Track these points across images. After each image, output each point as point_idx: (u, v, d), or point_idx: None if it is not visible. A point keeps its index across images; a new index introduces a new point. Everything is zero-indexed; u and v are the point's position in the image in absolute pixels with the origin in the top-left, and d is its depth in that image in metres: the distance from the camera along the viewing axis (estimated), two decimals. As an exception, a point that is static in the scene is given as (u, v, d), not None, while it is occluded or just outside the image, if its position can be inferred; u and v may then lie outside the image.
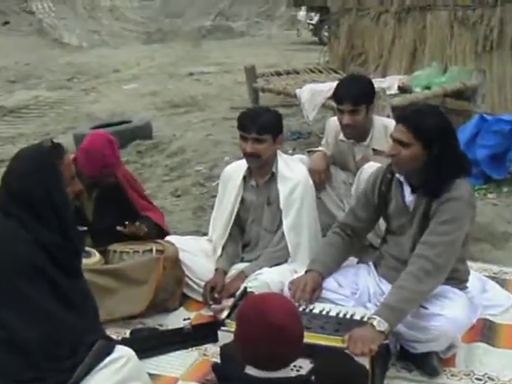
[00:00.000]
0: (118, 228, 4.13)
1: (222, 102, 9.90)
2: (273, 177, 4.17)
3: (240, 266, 4.17)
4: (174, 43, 17.74)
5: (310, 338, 3.04)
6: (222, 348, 3.31)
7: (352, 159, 4.69)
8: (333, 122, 4.84)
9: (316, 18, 17.21)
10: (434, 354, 3.32)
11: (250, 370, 2.32)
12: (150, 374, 3.27)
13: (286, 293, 3.54)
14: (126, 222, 4.13)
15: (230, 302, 3.73)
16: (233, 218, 4.24)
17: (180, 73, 12.84)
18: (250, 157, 4.06)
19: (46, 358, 2.81)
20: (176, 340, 3.71)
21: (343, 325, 3.25)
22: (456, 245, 3.30)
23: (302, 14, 19.00)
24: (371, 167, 4.11)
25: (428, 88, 7.14)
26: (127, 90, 11.64)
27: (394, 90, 7.08)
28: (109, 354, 2.95)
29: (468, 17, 7.57)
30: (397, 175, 3.49)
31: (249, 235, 4.33)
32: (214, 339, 3.45)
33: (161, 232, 4.37)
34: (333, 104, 5.28)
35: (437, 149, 3.26)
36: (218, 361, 3.41)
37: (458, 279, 3.49)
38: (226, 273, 4.14)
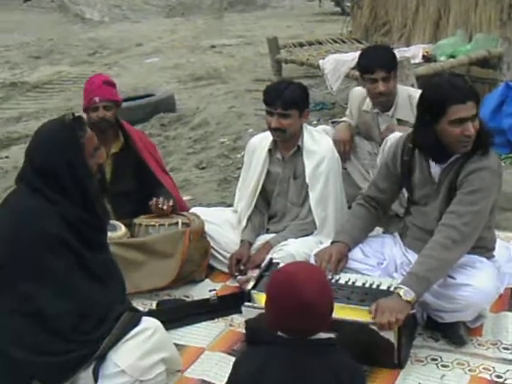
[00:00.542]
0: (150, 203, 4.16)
1: (245, 74, 9.84)
2: (298, 150, 4.15)
3: (266, 237, 4.18)
4: (196, 16, 17.63)
5: (336, 308, 3.03)
6: (247, 322, 3.33)
7: (377, 129, 4.66)
8: (356, 92, 4.81)
9: (338, -13, 17.08)
10: (461, 324, 3.31)
11: (282, 334, 2.33)
12: (176, 345, 3.30)
13: (312, 264, 3.53)
14: (153, 202, 4.16)
15: (255, 272, 3.75)
16: (258, 189, 4.24)
17: (202, 46, 12.77)
18: (275, 131, 4.04)
19: (74, 330, 2.85)
20: (202, 311, 3.73)
21: (369, 295, 3.25)
22: (483, 214, 3.28)
23: (324, -16, 18.86)
24: (395, 137, 4.07)
25: (453, 57, 7.05)
26: (149, 64, 11.61)
27: (419, 59, 7.01)
28: (136, 325, 2.98)
29: (493, -16, 7.45)
30: None
31: (274, 208, 4.32)
32: (240, 310, 3.47)
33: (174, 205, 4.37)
34: (357, 74, 5.24)
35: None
36: (244, 331, 3.45)
37: (484, 247, 3.46)
38: (251, 244, 4.15)
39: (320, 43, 8.70)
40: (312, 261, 3.56)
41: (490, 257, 3.49)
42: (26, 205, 2.90)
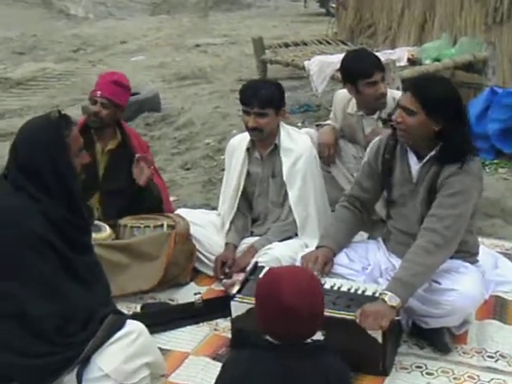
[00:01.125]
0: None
1: (230, 74, 9.82)
2: (276, 149, 4.15)
3: (250, 240, 4.17)
4: (181, 15, 17.59)
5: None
6: (233, 320, 3.32)
7: (361, 132, 4.65)
8: (341, 94, 4.79)
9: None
10: (445, 331, 3.32)
11: (270, 338, 2.32)
12: (160, 349, 3.27)
13: (298, 268, 3.53)
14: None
15: (240, 276, 3.74)
16: (240, 190, 4.23)
17: (187, 44, 12.74)
18: (252, 130, 4.04)
19: (58, 332, 2.82)
20: (187, 315, 3.71)
21: (355, 300, 3.25)
22: (464, 217, 3.28)
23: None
24: (381, 140, 4.08)
25: (438, 60, 7.07)
26: (134, 62, 11.56)
27: (404, 62, 7.03)
28: (120, 328, 2.95)
29: (478, -12, 7.48)
30: (401, 142, 3.46)
31: (257, 210, 4.31)
32: (225, 314, 3.47)
33: (161, 205, 4.36)
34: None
35: (441, 120, 3.23)
36: (229, 335, 3.44)
37: (467, 252, 3.48)
38: (236, 247, 4.14)
39: (305, 44, 8.69)
40: (298, 264, 3.55)
41: (473, 261, 3.50)
42: (9, 203, 2.86)
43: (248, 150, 4.21)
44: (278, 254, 3.85)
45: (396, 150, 3.51)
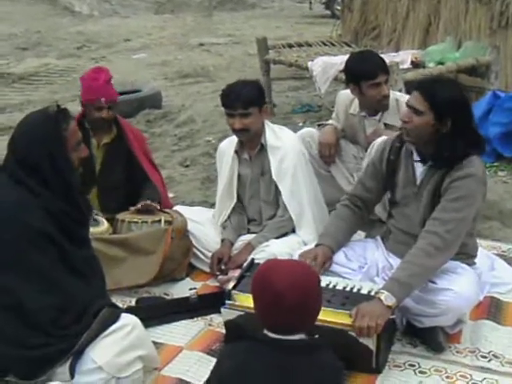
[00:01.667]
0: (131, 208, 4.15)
1: (233, 74, 9.82)
2: (263, 148, 4.15)
3: (247, 237, 4.17)
4: (185, 14, 17.62)
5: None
6: (226, 323, 3.31)
7: (363, 133, 4.66)
8: (343, 95, 4.80)
9: (329, -10, 17.10)
10: (439, 330, 3.31)
11: (267, 332, 2.31)
12: (154, 343, 3.28)
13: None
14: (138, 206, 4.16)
15: (236, 273, 3.74)
16: (234, 193, 4.24)
17: (190, 43, 12.76)
18: (239, 132, 4.04)
19: (53, 324, 2.82)
20: (182, 309, 3.71)
21: (350, 299, 3.24)
22: (467, 221, 3.29)
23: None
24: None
25: (441, 63, 7.06)
26: (137, 60, 11.58)
27: (407, 65, 7.02)
28: (114, 321, 2.96)
29: (484, -8, 7.48)
30: (408, 144, 3.46)
31: (251, 211, 4.31)
32: (220, 309, 3.45)
33: (160, 198, 4.37)
34: (344, 77, 5.23)
35: (449, 123, 3.23)
36: (223, 331, 3.43)
37: (466, 254, 3.47)
38: (232, 244, 4.13)
39: (309, 45, 8.67)
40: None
41: (471, 263, 3.50)
42: (8, 197, 2.86)
43: (236, 152, 4.21)
44: (275, 250, 3.85)
45: (401, 151, 3.51)
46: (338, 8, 12.32)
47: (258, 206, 4.26)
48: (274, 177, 4.09)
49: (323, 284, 3.38)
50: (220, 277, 3.95)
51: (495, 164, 5.80)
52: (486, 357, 3.29)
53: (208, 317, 3.69)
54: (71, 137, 2.95)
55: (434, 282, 3.25)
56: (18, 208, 2.83)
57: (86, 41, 13.57)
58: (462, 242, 3.34)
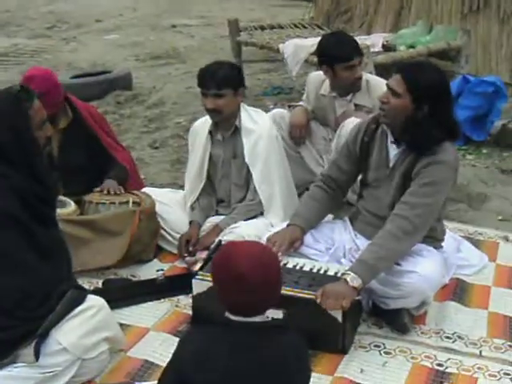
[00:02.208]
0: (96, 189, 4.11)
1: (204, 55, 9.75)
2: (237, 130, 4.13)
3: (215, 219, 4.16)
4: (158, -5, 17.48)
5: (282, 292, 3.04)
6: (194, 297, 3.31)
7: (333, 114, 4.67)
8: (314, 76, 4.81)
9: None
10: (404, 311, 3.33)
11: (229, 314, 2.32)
12: (121, 324, 3.28)
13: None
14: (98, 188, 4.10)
15: (203, 254, 3.74)
16: (204, 173, 4.22)
17: (162, 25, 12.65)
18: (211, 112, 4.02)
19: (18, 307, 2.80)
20: (148, 291, 3.69)
21: (317, 280, 3.26)
22: (436, 207, 3.30)
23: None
24: (352, 123, 4.09)
25: (412, 47, 7.09)
26: (108, 41, 11.46)
27: (378, 48, 7.05)
28: (80, 303, 2.96)
29: (455, -25, 7.51)
30: (383, 126, 3.46)
31: (220, 192, 4.30)
32: (187, 291, 3.46)
33: (128, 176, 4.34)
34: (315, 60, 5.24)
35: (426, 108, 3.23)
36: (190, 312, 3.43)
37: (434, 238, 3.49)
38: (200, 226, 4.12)
39: (281, 27, 8.65)
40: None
41: (438, 247, 3.52)
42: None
43: (210, 132, 4.19)
44: (243, 232, 3.84)
45: (376, 133, 3.51)
46: (311, -10, 12.27)
47: (229, 187, 4.25)
48: (246, 160, 4.08)
49: (290, 265, 3.41)
50: (187, 258, 3.94)
51: (464, 147, 5.85)
52: (450, 338, 3.33)
53: (175, 298, 3.67)
54: (35, 115, 2.92)
55: (399, 264, 3.27)
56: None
57: (57, 21, 13.39)
58: (430, 227, 3.36)
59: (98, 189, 4.10)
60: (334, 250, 3.59)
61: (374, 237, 3.27)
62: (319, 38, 4.82)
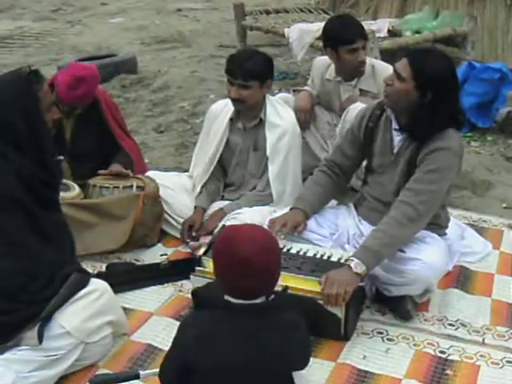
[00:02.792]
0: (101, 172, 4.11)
1: (210, 40, 9.74)
2: (261, 122, 4.11)
3: (220, 203, 4.15)
4: (164, -23, 17.42)
5: (286, 278, 3.06)
6: (193, 291, 3.31)
7: (337, 99, 4.66)
8: (320, 61, 4.80)
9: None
10: (408, 298, 3.33)
11: (229, 298, 2.32)
12: (124, 308, 3.29)
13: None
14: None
15: (207, 239, 3.73)
16: (217, 158, 4.20)
17: (168, 8, 12.59)
18: (235, 101, 4.00)
19: (21, 290, 2.80)
20: (152, 275, 3.70)
21: (320, 266, 3.25)
22: (440, 194, 3.30)
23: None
24: (357, 108, 4.07)
25: (418, 32, 7.07)
26: (113, 24, 11.42)
27: (384, 33, 7.03)
28: (83, 286, 2.96)
29: (462, -40, 7.47)
30: (388, 111, 3.45)
31: (232, 178, 4.29)
32: (190, 276, 3.45)
33: (132, 165, 4.32)
34: (321, 45, 5.22)
35: (430, 95, 3.21)
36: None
37: (438, 225, 3.49)
38: (205, 210, 4.12)
39: (287, 12, 8.63)
40: (266, 227, 3.54)
41: (442, 234, 3.51)
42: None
43: (231, 119, 4.17)
44: (246, 218, 3.83)
45: (381, 119, 3.50)
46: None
47: (242, 175, 4.24)
48: (267, 153, 4.07)
49: (294, 251, 3.40)
50: (191, 243, 3.94)
51: (469, 134, 5.82)
52: (453, 325, 3.33)
53: (178, 283, 3.68)
54: (44, 97, 2.92)
55: (402, 251, 3.27)
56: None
57: (62, 3, 13.33)
58: (435, 213, 3.35)
59: (103, 171, 4.09)
60: (337, 235, 3.58)
61: (379, 223, 3.27)
62: (324, 23, 4.79)
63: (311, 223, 3.60)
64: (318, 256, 3.35)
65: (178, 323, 3.15)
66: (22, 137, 2.84)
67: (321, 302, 3.05)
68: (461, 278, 3.70)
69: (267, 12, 8.57)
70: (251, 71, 3.89)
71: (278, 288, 2.52)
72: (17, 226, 2.82)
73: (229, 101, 4.16)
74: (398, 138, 3.42)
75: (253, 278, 2.25)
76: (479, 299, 3.55)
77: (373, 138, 3.53)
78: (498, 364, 3.06)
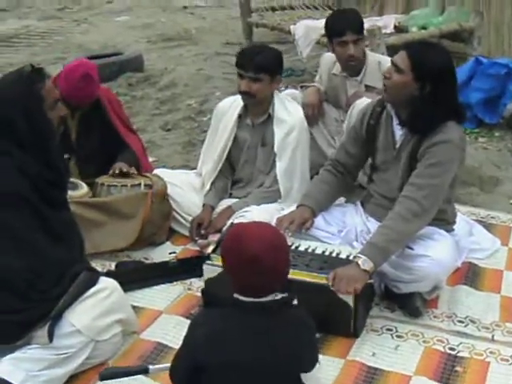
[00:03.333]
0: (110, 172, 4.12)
1: (216, 37, 9.74)
2: (269, 118, 4.12)
3: (228, 201, 4.16)
4: (169, -25, 17.42)
5: (294, 275, 3.06)
6: (206, 282, 3.33)
7: (344, 94, 4.66)
8: (327, 57, 4.81)
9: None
10: (417, 295, 3.33)
11: (238, 296, 2.33)
12: (134, 307, 3.30)
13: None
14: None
15: (216, 237, 3.74)
16: (225, 155, 4.21)
17: (174, 6, 12.60)
18: (244, 94, 4.01)
19: (30, 288, 2.81)
20: (161, 273, 3.71)
21: (328, 263, 3.25)
22: (443, 187, 3.29)
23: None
24: (363, 103, 4.06)
25: (424, 28, 7.06)
26: (119, 22, 11.43)
27: (390, 29, 7.02)
28: (93, 285, 2.97)
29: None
30: (388, 108, 3.45)
31: (240, 174, 4.30)
32: (199, 273, 3.46)
33: (137, 162, 4.34)
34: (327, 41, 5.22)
35: (428, 87, 3.22)
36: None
37: (445, 220, 3.48)
38: (213, 208, 4.12)
39: (292, 8, 8.65)
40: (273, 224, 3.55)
41: (449, 230, 3.51)
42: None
43: (240, 116, 4.18)
44: (254, 216, 3.82)
45: (382, 116, 3.50)
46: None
47: (251, 171, 4.25)
48: (275, 149, 4.08)
49: (302, 248, 3.41)
50: (200, 241, 3.95)
51: (476, 130, 5.81)
52: (462, 322, 3.32)
53: (187, 281, 3.69)
54: (48, 95, 2.91)
55: (411, 248, 3.27)
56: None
57: (67, 2, 13.36)
58: (441, 209, 3.35)
59: (110, 171, 4.10)
60: (345, 232, 3.59)
61: (384, 219, 3.27)
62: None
63: (319, 221, 3.61)
64: (327, 253, 3.36)
65: (187, 321, 3.22)
66: (25, 136, 2.84)
67: (333, 288, 3.06)
68: (469, 275, 3.69)
69: (273, 9, 8.58)
70: (262, 64, 3.91)
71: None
72: (23, 223, 2.82)
73: (236, 97, 4.16)
74: (399, 133, 3.42)
75: (262, 275, 2.25)
76: (488, 296, 3.54)
77: (375, 134, 3.53)
78: (508, 360, 3.06)
